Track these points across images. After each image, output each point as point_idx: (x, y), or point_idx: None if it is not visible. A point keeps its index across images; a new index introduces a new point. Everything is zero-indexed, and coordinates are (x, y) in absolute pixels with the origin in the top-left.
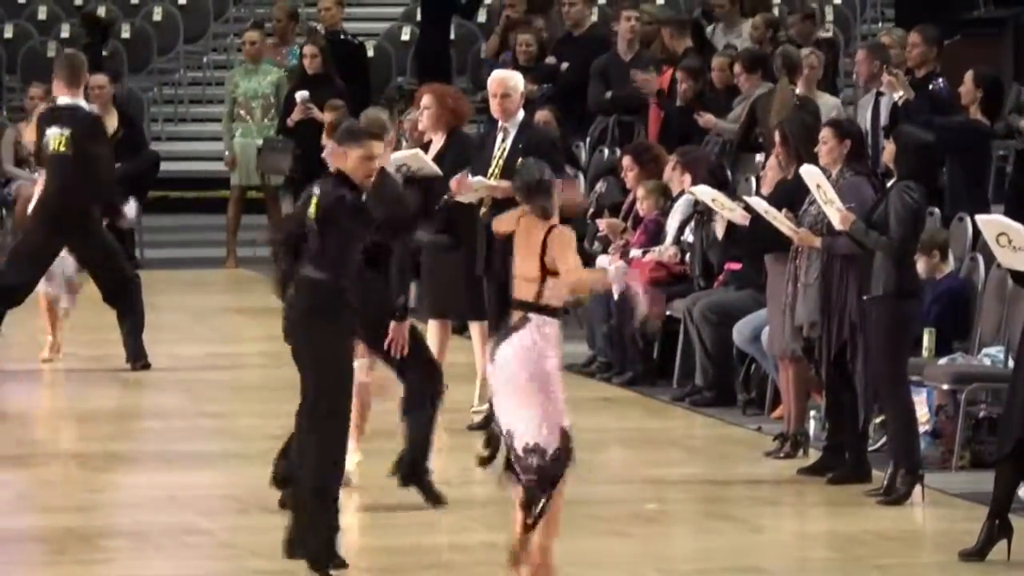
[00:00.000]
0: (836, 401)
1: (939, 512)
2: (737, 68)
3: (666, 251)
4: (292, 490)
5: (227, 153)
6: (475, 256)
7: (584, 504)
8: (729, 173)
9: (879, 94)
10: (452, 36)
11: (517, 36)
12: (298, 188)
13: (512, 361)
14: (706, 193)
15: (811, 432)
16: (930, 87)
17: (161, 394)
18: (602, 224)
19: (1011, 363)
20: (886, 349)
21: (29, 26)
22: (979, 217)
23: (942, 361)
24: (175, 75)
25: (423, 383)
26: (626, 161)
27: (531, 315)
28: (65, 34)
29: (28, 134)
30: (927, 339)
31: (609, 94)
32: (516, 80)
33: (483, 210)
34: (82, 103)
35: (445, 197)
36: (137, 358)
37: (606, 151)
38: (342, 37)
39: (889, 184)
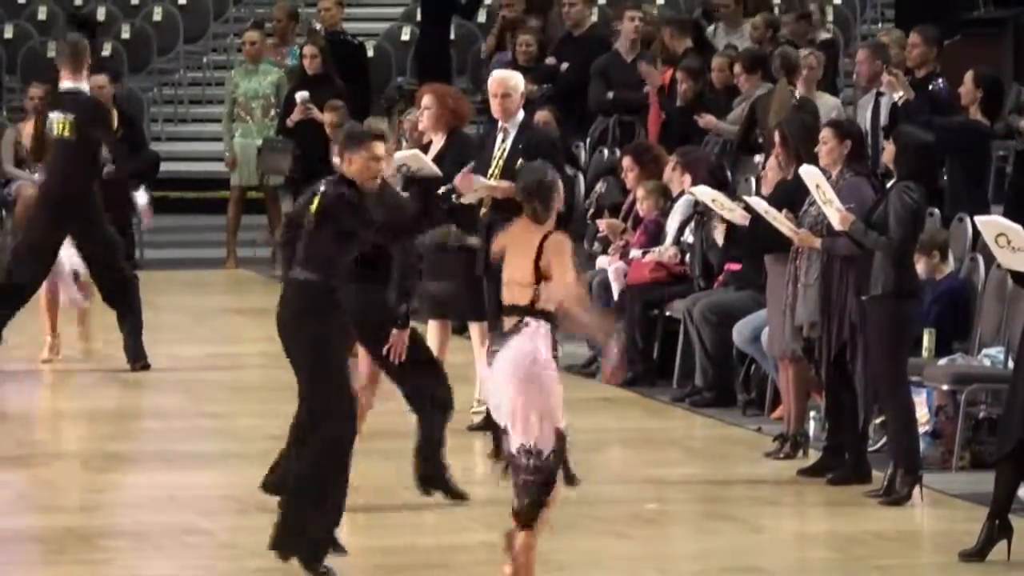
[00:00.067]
0: (836, 402)
1: (939, 512)
2: (737, 68)
3: (666, 251)
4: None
5: (227, 153)
6: (475, 256)
7: (584, 504)
8: (729, 173)
9: (879, 94)
10: (452, 36)
11: (517, 36)
12: (298, 188)
13: (509, 365)
14: (706, 194)
15: (811, 432)
16: (930, 87)
17: (161, 394)
18: (602, 224)
19: (1011, 364)
20: (886, 349)
21: (29, 26)
22: (978, 218)
23: (942, 362)
24: (175, 75)
25: (425, 386)
26: (626, 161)
27: (527, 319)
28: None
29: (28, 128)
30: (927, 339)
31: (611, 94)
32: (516, 80)
33: (483, 210)
34: (84, 88)
35: (452, 195)
36: (137, 358)
37: (606, 151)
38: (342, 37)
39: (889, 184)
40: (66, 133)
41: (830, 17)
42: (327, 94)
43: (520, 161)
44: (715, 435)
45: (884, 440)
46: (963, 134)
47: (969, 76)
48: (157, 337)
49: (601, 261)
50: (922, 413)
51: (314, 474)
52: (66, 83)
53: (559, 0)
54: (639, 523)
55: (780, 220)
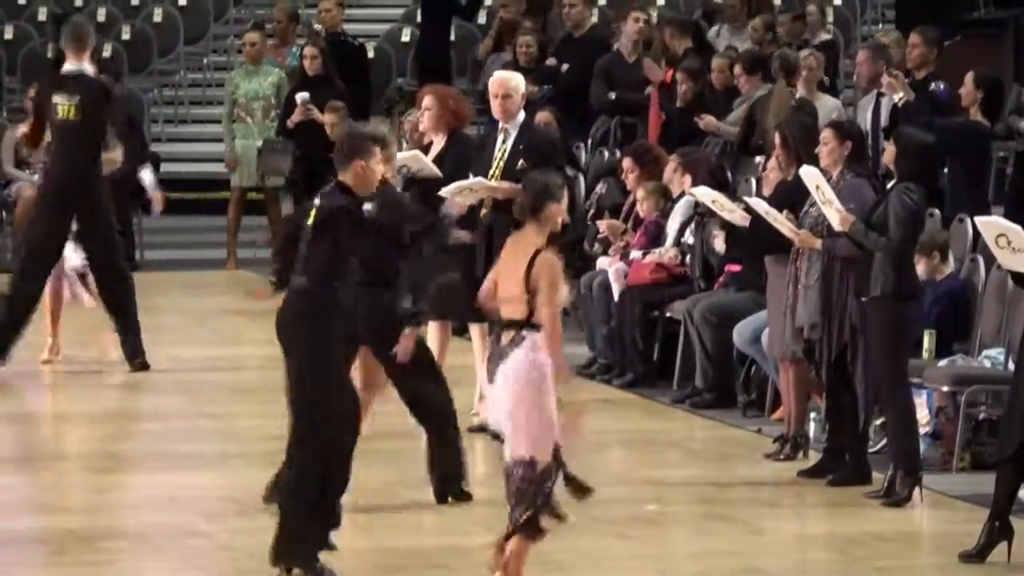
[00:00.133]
0: (836, 403)
1: (939, 514)
2: (737, 69)
3: (666, 253)
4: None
5: (228, 152)
6: (475, 257)
7: (584, 505)
8: (729, 174)
9: (879, 95)
10: (452, 37)
11: (517, 37)
12: (299, 189)
13: (510, 379)
14: (706, 194)
15: (811, 434)
16: (931, 88)
17: (161, 395)
18: (602, 225)
19: (1011, 365)
20: (886, 351)
21: (29, 27)
22: (978, 219)
23: (942, 363)
24: (175, 76)
25: (424, 392)
26: (626, 162)
27: (524, 332)
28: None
29: (24, 127)
30: (927, 341)
31: (613, 95)
32: (517, 81)
33: (483, 211)
34: (88, 70)
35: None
36: (135, 357)
37: (606, 152)
38: (342, 38)
39: (889, 185)
40: (71, 116)
41: (830, 18)
42: (327, 95)
43: (521, 162)
44: (715, 436)
45: (884, 441)
46: (963, 135)
47: (969, 77)
48: (157, 338)
49: (601, 262)
50: (922, 414)
51: (313, 476)
52: (69, 66)
53: (559, 1)
54: (639, 524)
55: (780, 221)
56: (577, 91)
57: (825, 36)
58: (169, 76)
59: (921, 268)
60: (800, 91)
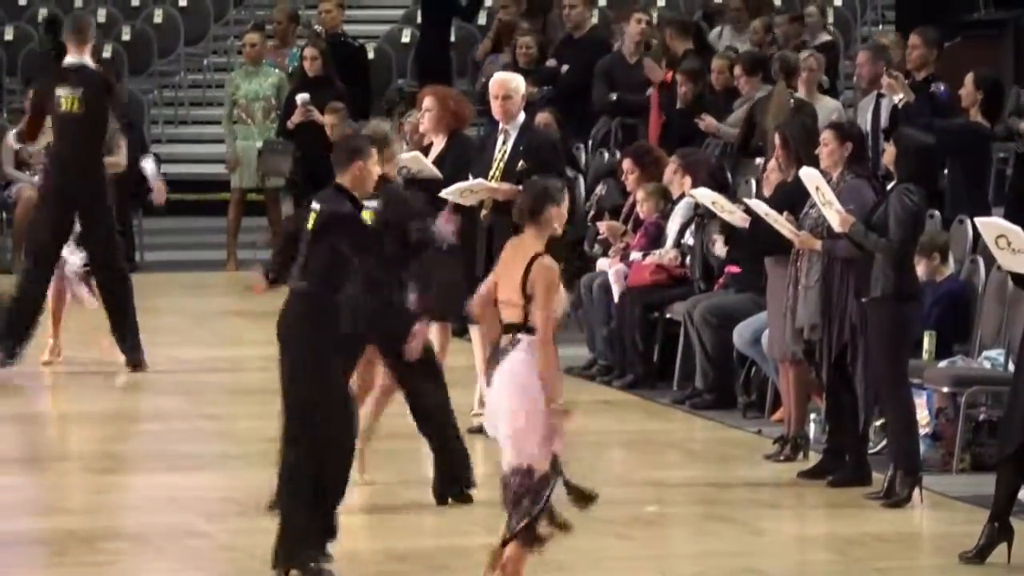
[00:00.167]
0: (836, 404)
1: (939, 515)
2: (737, 71)
3: (666, 254)
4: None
5: (229, 151)
6: (475, 258)
7: None
8: (729, 176)
9: (879, 96)
10: (452, 39)
11: (517, 39)
12: (299, 190)
13: (507, 382)
14: (706, 196)
15: (811, 435)
16: (931, 89)
17: (161, 396)
18: (602, 227)
19: (1011, 366)
20: (886, 352)
21: (30, 28)
22: (978, 220)
23: (942, 364)
24: (175, 77)
25: (424, 392)
26: (626, 164)
27: (520, 335)
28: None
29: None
30: (927, 342)
31: (614, 96)
32: (517, 82)
33: (484, 212)
34: (89, 62)
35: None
36: (133, 353)
37: (606, 154)
38: (343, 39)
39: (889, 187)
40: (75, 108)
41: (830, 19)
42: (328, 96)
43: (521, 163)
44: (715, 437)
45: (884, 442)
46: (963, 136)
47: (969, 78)
48: (157, 339)
49: (601, 263)
50: (922, 415)
51: (306, 476)
52: (71, 58)
53: (559, 2)
54: (639, 525)
55: (781, 222)
56: (577, 92)
57: (825, 37)
58: (169, 77)
59: (921, 269)
60: (801, 92)
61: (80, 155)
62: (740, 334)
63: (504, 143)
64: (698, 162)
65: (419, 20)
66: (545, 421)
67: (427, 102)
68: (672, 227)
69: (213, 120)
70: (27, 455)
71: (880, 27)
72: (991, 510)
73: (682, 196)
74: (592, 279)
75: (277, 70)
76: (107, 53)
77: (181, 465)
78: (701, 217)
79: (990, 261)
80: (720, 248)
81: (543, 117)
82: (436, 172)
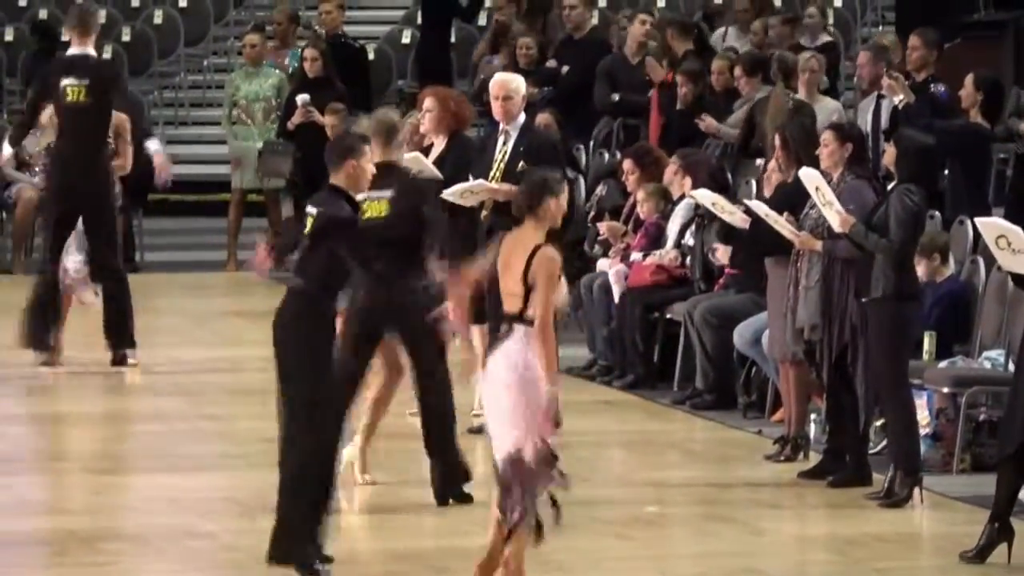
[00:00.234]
0: (836, 404)
1: (939, 515)
2: (738, 71)
3: (667, 254)
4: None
5: (232, 152)
6: (475, 259)
7: (585, 506)
8: (730, 176)
9: (880, 97)
10: (452, 39)
11: (517, 39)
12: (299, 191)
13: (500, 371)
14: (707, 196)
15: (811, 435)
16: (931, 90)
17: (161, 397)
18: (603, 227)
19: (1011, 366)
20: (886, 352)
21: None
22: (979, 220)
23: (942, 364)
24: (175, 78)
25: (434, 369)
26: (627, 164)
27: (516, 326)
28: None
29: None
30: (927, 342)
31: (616, 96)
32: (518, 83)
33: (484, 213)
34: (91, 52)
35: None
36: (120, 348)
37: (607, 154)
38: (343, 40)
39: (890, 187)
40: (81, 98)
41: (830, 20)
42: (328, 97)
43: (521, 164)
44: (716, 438)
45: (885, 443)
46: (964, 137)
47: (969, 79)
48: (157, 340)
49: (602, 264)
50: (923, 416)
51: (313, 476)
52: (75, 49)
53: (559, 3)
54: (639, 525)
55: (781, 223)
56: (577, 93)
57: (825, 38)
58: (169, 78)
59: (921, 270)
60: (801, 93)
61: (83, 152)
62: (740, 334)
63: (504, 144)
64: (698, 163)
65: (419, 21)
66: (536, 402)
67: (428, 103)
68: (672, 228)
69: (213, 121)
70: (27, 455)
71: (880, 28)
72: (991, 510)
73: (682, 197)
74: (592, 279)
75: (277, 71)
76: (107, 54)
77: (181, 466)
78: (701, 218)
79: (990, 261)
80: (722, 256)
81: (543, 118)
82: (436, 173)
